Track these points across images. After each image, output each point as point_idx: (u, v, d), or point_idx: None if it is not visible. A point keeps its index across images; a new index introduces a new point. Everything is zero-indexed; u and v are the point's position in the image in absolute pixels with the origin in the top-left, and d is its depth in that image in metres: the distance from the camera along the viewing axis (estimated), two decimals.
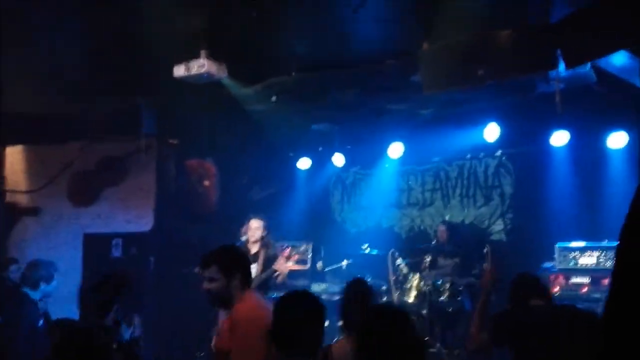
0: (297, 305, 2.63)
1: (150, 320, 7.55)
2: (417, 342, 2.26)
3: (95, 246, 8.20)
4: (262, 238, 6.15)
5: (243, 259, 3.37)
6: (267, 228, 6.17)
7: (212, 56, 5.09)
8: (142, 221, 8.18)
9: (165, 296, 7.78)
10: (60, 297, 5.50)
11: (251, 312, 3.09)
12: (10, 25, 4.89)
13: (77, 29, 4.99)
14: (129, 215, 8.24)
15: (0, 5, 4.42)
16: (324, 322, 2.71)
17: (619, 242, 0.81)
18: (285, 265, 5.97)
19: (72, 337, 2.98)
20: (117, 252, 8.22)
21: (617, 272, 0.78)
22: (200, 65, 5.00)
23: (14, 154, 8.43)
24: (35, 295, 5.45)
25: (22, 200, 8.43)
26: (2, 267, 6.69)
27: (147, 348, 7.39)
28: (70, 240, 8.27)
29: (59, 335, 3.10)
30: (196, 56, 5.10)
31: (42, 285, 5.55)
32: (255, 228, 6.08)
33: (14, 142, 8.08)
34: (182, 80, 5.31)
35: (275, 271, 5.94)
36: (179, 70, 5.11)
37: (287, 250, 6.15)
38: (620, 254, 0.79)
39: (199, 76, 5.11)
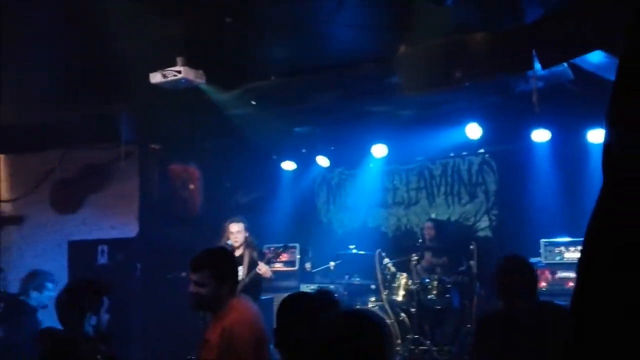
0: (296, 307, 2.61)
1: (138, 326, 7.52)
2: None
3: (80, 253, 8.14)
4: (245, 239, 6.13)
5: (235, 264, 3.33)
6: (248, 229, 6.14)
7: (189, 62, 5.07)
8: (127, 227, 8.13)
9: (152, 301, 7.76)
10: (49, 306, 5.48)
11: (244, 320, 3.06)
12: None
13: (54, 37, 4.95)
14: (114, 221, 8.19)
15: None
16: None
17: (585, 236, 0.82)
18: (266, 268, 5.96)
19: (56, 347, 2.97)
20: (103, 259, 8.17)
21: (581, 266, 0.79)
22: (177, 72, 4.97)
23: None
24: (32, 303, 5.46)
25: (5, 209, 8.36)
26: None
27: (135, 350, 7.41)
28: (55, 248, 8.22)
29: (46, 345, 3.08)
30: (173, 63, 5.07)
31: (33, 294, 5.56)
32: (236, 232, 6.06)
33: None
34: (160, 87, 5.28)
35: (258, 274, 5.92)
36: (156, 77, 5.09)
37: (269, 252, 6.11)
38: (585, 247, 0.81)
39: (176, 82, 5.09)
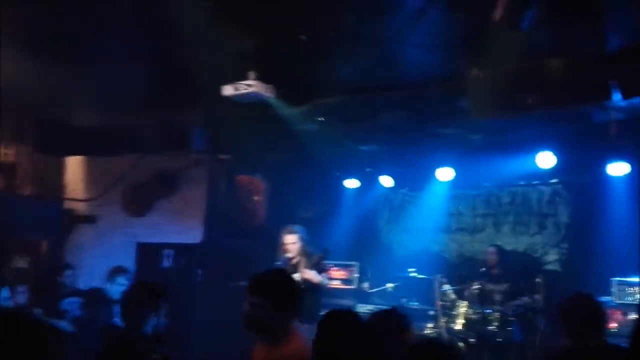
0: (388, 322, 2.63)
1: (195, 331, 7.67)
2: None
3: (147, 255, 8.41)
4: (301, 249, 6.06)
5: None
6: (303, 238, 6.08)
7: (260, 77, 5.18)
8: (192, 233, 8.35)
9: (211, 308, 7.89)
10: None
11: (301, 352, 2.87)
12: (75, 47, 5.17)
13: (134, 49, 5.19)
14: (180, 226, 8.43)
15: (64, 29, 4.67)
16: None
17: None
18: (312, 274, 5.85)
19: (115, 344, 3.07)
20: (167, 262, 8.40)
21: None
22: (248, 86, 5.09)
23: (74, 164, 8.81)
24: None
25: (80, 208, 8.77)
26: (58, 272, 6.97)
27: (191, 354, 7.54)
28: (123, 249, 8.52)
29: (106, 340, 3.19)
30: (245, 77, 5.20)
31: (107, 285, 5.90)
32: (291, 243, 6.03)
33: (74, 153, 8.45)
34: (231, 99, 5.42)
35: (308, 281, 5.84)
36: (228, 90, 5.22)
37: (314, 258, 5.99)
38: None
39: (247, 96, 5.21)
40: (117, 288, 5.80)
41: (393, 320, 3.31)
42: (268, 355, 2.94)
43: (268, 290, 2.87)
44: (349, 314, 2.88)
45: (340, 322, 2.70)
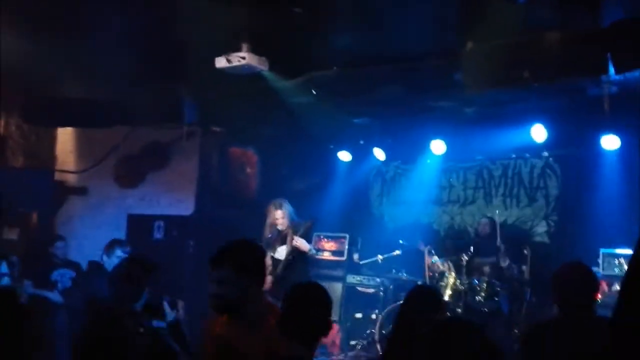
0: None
1: (189, 303, 7.72)
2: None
3: (138, 227, 8.41)
4: (289, 220, 6.09)
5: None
6: (290, 211, 6.10)
7: (254, 49, 5.12)
8: (184, 205, 8.35)
9: (203, 279, 7.93)
10: None
11: None
12: (64, 17, 5.07)
13: (125, 20, 5.10)
14: (172, 199, 8.42)
15: (55, 1, 4.57)
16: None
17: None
18: (302, 241, 5.88)
19: (100, 319, 3.09)
20: (159, 234, 8.42)
21: (626, 278, 0.77)
22: (241, 58, 5.04)
23: (65, 136, 8.73)
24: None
25: (71, 179, 8.72)
26: (49, 244, 6.95)
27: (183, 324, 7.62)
28: (114, 221, 8.52)
29: (91, 314, 3.21)
30: (238, 49, 5.14)
31: (104, 258, 5.92)
32: (279, 215, 6.05)
33: (65, 124, 8.36)
34: (224, 72, 5.37)
35: (297, 249, 5.89)
36: (220, 62, 5.17)
37: (302, 228, 6.01)
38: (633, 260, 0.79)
39: (240, 68, 5.16)
40: (115, 261, 5.79)
41: (427, 298, 3.21)
42: (246, 339, 2.55)
43: (233, 260, 2.55)
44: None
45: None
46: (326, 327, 2.50)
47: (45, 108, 7.41)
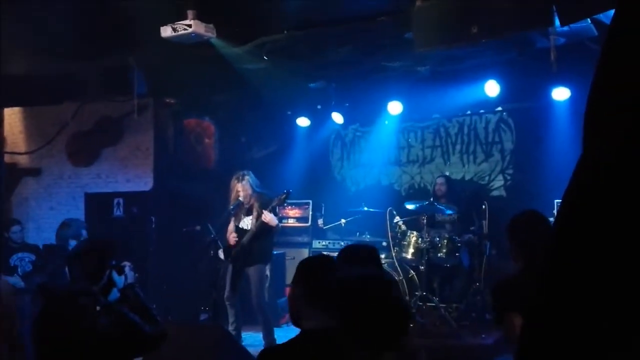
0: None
1: (154, 278, 7.68)
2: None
3: (96, 205, 8.27)
4: (252, 191, 6.08)
5: None
6: (252, 182, 6.09)
7: (200, 16, 4.98)
8: (142, 181, 8.22)
9: (167, 254, 7.89)
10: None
11: None
12: None
13: None
14: (129, 174, 8.28)
15: None
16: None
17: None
18: (271, 217, 5.90)
19: (52, 301, 3.02)
20: (118, 212, 8.29)
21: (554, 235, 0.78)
22: (187, 26, 4.90)
23: (12, 116, 8.44)
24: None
25: (22, 161, 8.47)
26: (5, 228, 6.78)
27: (149, 300, 7.58)
28: (71, 200, 8.35)
29: (42, 300, 3.13)
30: (184, 17, 5.00)
31: (72, 242, 5.77)
32: (241, 188, 6.02)
33: (11, 104, 8.07)
34: (171, 41, 5.23)
35: (265, 224, 5.90)
36: (166, 31, 5.02)
37: (274, 201, 6.02)
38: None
39: (187, 37, 5.02)
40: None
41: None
42: None
43: None
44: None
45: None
46: None
47: None
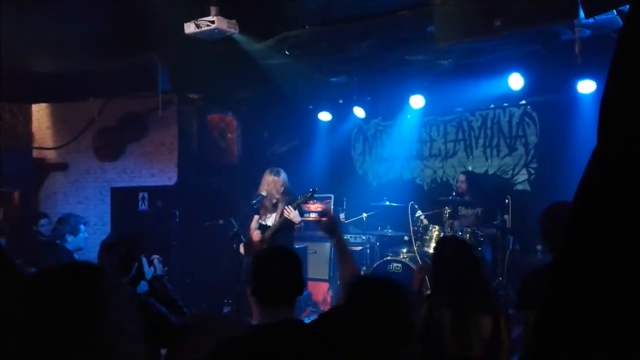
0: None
1: (177, 272, 7.79)
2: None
3: (122, 200, 8.41)
4: (283, 189, 6.10)
5: None
6: (285, 180, 6.11)
7: (222, 12, 5.02)
8: (167, 175, 8.34)
9: (190, 248, 7.99)
10: (93, 250, 5.67)
11: None
12: None
13: None
14: (154, 169, 8.40)
15: None
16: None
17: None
18: (295, 213, 5.93)
19: None
20: (143, 206, 8.42)
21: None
22: (210, 22, 4.94)
23: (40, 112, 8.61)
24: (68, 247, 5.66)
25: (50, 156, 8.65)
26: (33, 221, 6.94)
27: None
28: (98, 195, 8.51)
29: None
30: (207, 13, 5.04)
31: (69, 237, 5.75)
32: (270, 181, 6.06)
33: (39, 100, 8.24)
34: (194, 37, 5.28)
35: (287, 220, 5.94)
36: (189, 28, 5.07)
37: (301, 198, 6.03)
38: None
39: (210, 32, 5.07)
40: (82, 236, 5.66)
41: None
42: None
43: None
44: None
45: None
46: (301, 288, 2.50)
47: (18, 84, 7.28)
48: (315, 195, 8.43)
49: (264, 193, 6.11)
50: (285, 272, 2.43)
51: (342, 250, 3.01)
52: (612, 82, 0.79)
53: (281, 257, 2.49)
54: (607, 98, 0.78)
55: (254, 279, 2.44)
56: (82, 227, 5.81)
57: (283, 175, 6.12)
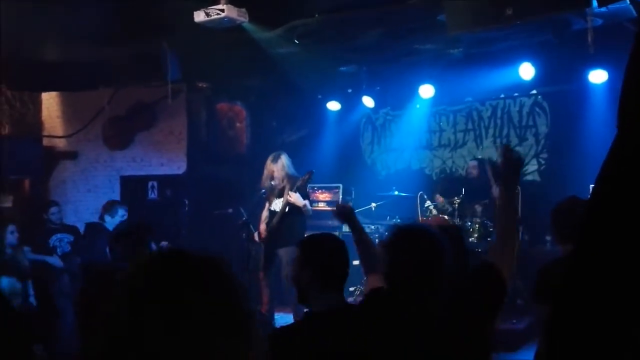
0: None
1: None
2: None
3: (131, 188, 8.45)
4: (286, 174, 6.07)
5: None
6: (287, 163, 6.09)
7: (232, 1, 5.01)
8: (176, 164, 8.36)
9: (199, 236, 8.03)
10: None
11: None
12: None
13: None
14: (163, 158, 8.43)
15: None
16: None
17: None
18: (297, 196, 5.90)
19: (93, 280, 3.14)
20: (153, 194, 8.46)
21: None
22: (220, 10, 4.93)
23: (50, 100, 8.65)
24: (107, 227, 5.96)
25: (60, 144, 8.69)
26: (43, 210, 6.99)
27: None
28: (107, 183, 8.55)
29: (83, 279, 3.26)
30: (216, 1, 5.03)
31: (107, 218, 6.13)
32: (276, 169, 6.04)
33: (49, 89, 8.26)
34: (204, 26, 5.27)
35: (292, 204, 5.90)
36: (199, 16, 5.06)
37: (299, 181, 5.99)
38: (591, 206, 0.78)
39: (219, 21, 5.06)
40: (118, 220, 5.95)
41: None
42: None
43: None
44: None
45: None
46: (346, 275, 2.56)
47: (28, 73, 7.31)
48: (324, 185, 8.49)
49: (276, 181, 6.10)
50: (346, 259, 2.52)
51: (361, 237, 2.96)
52: (632, 72, 0.77)
53: (341, 245, 2.56)
54: (627, 88, 0.77)
55: (317, 263, 2.48)
56: (120, 210, 6.09)
57: (284, 159, 6.09)
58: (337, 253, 2.52)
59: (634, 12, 5.06)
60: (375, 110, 8.73)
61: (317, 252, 2.53)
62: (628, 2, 4.86)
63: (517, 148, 8.11)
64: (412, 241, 2.20)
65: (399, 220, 7.62)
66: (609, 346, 0.69)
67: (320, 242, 2.61)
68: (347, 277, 2.53)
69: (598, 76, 6.64)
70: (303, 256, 2.54)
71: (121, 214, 6.15)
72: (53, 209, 6.95)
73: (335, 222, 8.37)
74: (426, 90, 7.71)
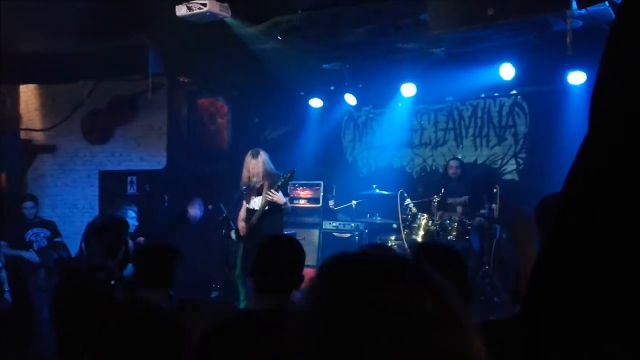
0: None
1: None
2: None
3: (110, 183, 8.36)
4: (264, 170, 6.01)
5: None
6: (267, 161, 6.02)
7: None
8: (156, 159, 8.29)
9: (178, 233, 7.96)
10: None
11: None
12: None
13: None
14: (143, 153, 8.35)
15: None
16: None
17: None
18: (279, 196, 5.83)
19: (69, 277, 3.10)
20: (132, 189, 8.38)
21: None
22: (202, 5, 4.90)
23: (28, 93, 8.51)
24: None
25: (38, 138, 8.56)
26: (19, 204, 6.87)
27: None
28: (86, 178, 8.45)
29: (61, 275, 3.21)
30: None
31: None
32: (255, 166, 5.98)
33: (27, 81, 8.13)
34: (186, 20, 5.23)
35: (273, 203, 5.85)
36: (181, 10, 5.03)
37: (281, 179, 5.92)
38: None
39: (202, 15, 5.02)
40: (130, 222, 5.81)
41: None
42: None
43: None
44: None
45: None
46: (299, 281, 2.53)
47: (5, 66, 7.18)
48: (305, 182, 8.48)
49: (255, 178, 6.02)
50: (289, 263, 2.47)
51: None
52: (603, 72, 0.79)
53: (289, 248, 2.52)
54: (598, 87, 0.78)
55: (258, 264, 2.44)
56: (130, 212, 5.90)
57: (263, 156, 6.00)
58: (277, 258, 2.47)
59: (612, 14, 5.14)
60: (357, 107, 8.76)
61: (258, 256, 2.51)
62: (607, 4, 4.93)
63: (497, 148, 8.20)
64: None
65: (379, 219, 7.66)
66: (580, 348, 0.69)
67: (263, 246, 2.58)
68: (292, 284, 2.47)
69: (577, 77, 6.74)
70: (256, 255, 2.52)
71: (131, 215, 5.99)
72: (28, 204, 6.82)
73: (315, 219, 8.40)
74: (408, 89, 7.76)
